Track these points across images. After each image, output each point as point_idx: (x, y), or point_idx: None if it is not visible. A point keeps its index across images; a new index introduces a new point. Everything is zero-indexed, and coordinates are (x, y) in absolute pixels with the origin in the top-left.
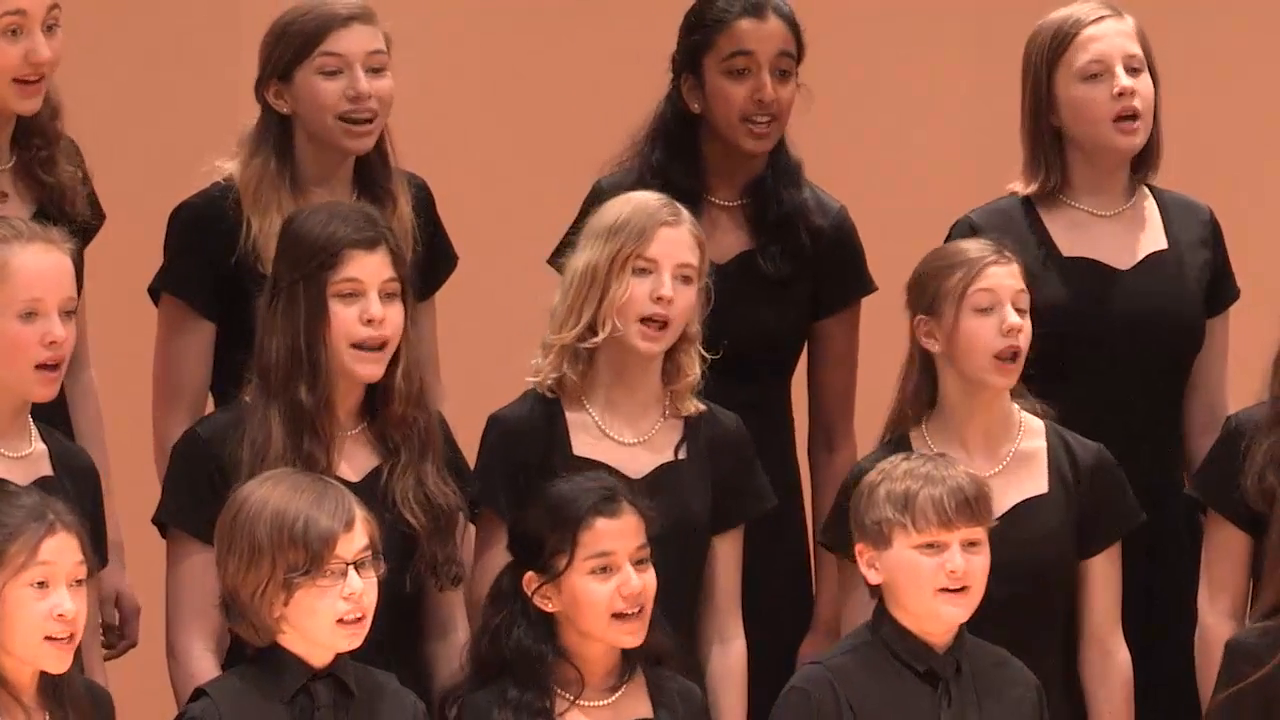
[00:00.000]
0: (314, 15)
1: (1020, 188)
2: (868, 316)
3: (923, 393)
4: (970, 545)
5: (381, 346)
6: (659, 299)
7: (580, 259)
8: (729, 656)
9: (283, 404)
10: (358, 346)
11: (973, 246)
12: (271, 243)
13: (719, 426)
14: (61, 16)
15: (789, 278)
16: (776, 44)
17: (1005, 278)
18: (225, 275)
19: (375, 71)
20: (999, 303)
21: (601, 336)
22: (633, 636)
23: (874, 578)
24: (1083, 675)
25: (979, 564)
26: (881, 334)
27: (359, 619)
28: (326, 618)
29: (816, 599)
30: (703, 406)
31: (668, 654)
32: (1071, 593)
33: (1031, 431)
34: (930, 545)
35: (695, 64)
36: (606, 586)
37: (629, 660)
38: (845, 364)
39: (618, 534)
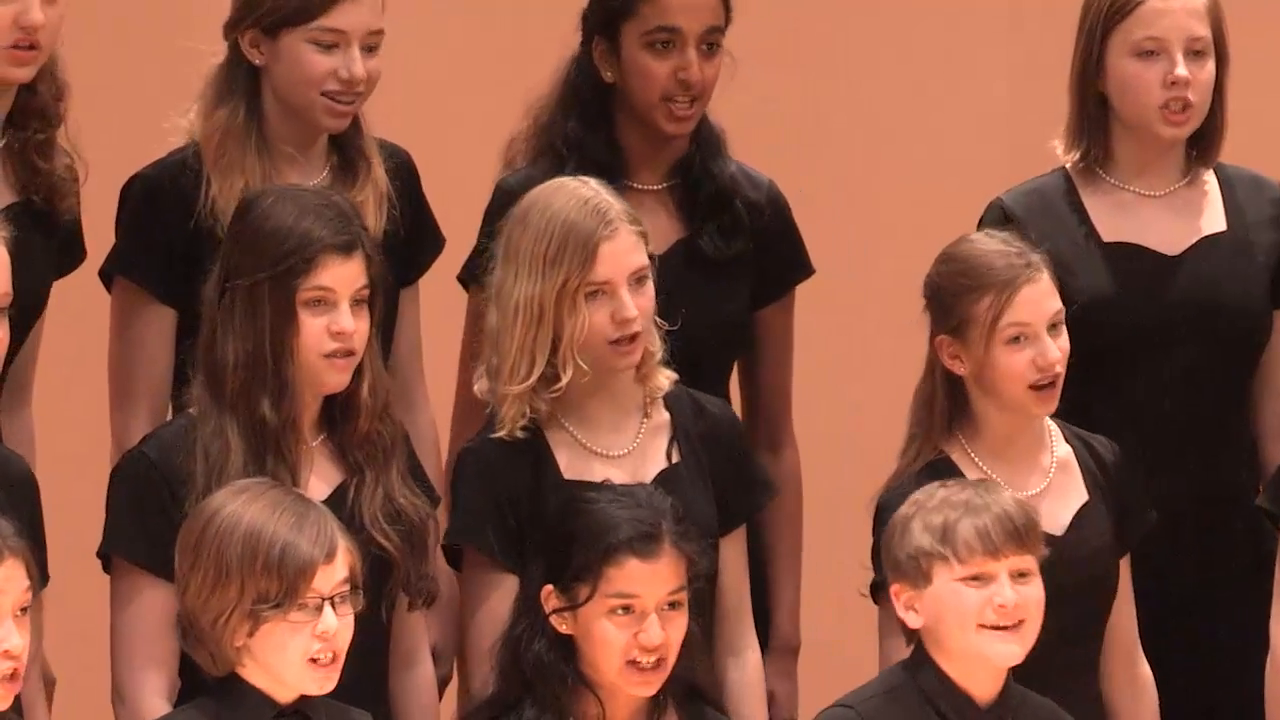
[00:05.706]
0: None
1: (1061, 151)
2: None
3: (953, 413)
4: (1020, 576)
5: (349, 355)
6: (624, 320)
7: (518, 291)
8: (745, 669)
9: (242, 416)
10: (327, 356)
11: (999, 260)
12: (232, 206)
13: (708, 418)
14: None
15: (731, 258)
16: (706, 18)
17: (1039, 299)
18: (184, 253)
19: (369, 50)
20: (1034, 334)
21: (567, 379)
22: (646, 688)
23: (914, 621)
24: (1110, 694)
25: (1031, 595)
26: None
27: (332, 660)
28: (296, 656)
29: (772, 616)
30: (674, 375)
31: (703, 687)
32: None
33: (1056, 435)
34: (975, 578)
35: (612, 29)
36: (624, 633)
37: (659, 699)
38: (785, 357)
39: (648, 578)
